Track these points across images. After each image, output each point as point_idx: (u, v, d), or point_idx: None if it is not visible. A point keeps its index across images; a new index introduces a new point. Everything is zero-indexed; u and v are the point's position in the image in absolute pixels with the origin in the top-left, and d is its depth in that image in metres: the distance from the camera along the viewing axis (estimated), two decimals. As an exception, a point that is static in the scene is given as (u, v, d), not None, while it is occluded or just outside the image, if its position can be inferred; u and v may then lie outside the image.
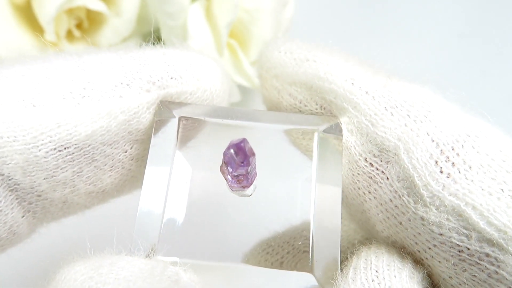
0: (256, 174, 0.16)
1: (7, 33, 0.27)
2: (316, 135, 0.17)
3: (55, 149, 0.15)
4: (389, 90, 0.16)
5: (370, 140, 0.16)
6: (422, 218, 0.14)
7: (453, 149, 0.15)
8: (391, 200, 0.15)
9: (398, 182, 0.15)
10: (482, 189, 0.14)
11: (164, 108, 0.17)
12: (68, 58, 0.17)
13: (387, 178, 0.16)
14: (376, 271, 0.14)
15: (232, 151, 0.14)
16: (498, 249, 0.13)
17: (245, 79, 0.30)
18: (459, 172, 0.14)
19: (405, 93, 0.16)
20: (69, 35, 0.29)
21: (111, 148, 0.16)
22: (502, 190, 0.14)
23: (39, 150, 0.15)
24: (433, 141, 0.15)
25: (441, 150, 0.15)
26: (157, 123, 0.17)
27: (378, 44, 0.37)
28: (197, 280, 0.14)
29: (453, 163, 0.14)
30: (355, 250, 0.16)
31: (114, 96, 0.16)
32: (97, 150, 0.16)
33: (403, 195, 0.15)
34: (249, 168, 0.15)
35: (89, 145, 0.16)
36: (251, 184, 0.16)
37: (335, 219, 0.15)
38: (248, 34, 0.29)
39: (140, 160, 0.18)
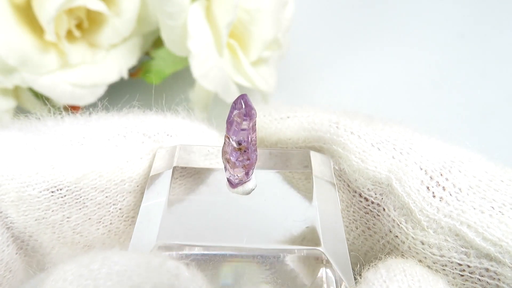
0: (256, 158, 0.16)
1: (7, 33, 0.27)
2: (313, 176, 0.17)
3: (47, 189, 0.16)
4: (373, 128, 0.17)
5: (362, 176, 0.17)
6: (422, 242, 0.15)
7: (441, 174, 0.16)
8: (390, 231, 0.16)
9: (395, 210, 0.16)
10: (474, 208, 0.15)
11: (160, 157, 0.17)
12: (79, 118, 0.18)
13: (384, 209, 0.16)
14: (412, 278, 0.15)
15: (235, 111, 0.15)
16: (496, 262, 0.14)
17: (245, 79, 0.30)
18: (451, 195, 0.15)
19: (387, 130, 0.17)
20: (69, 35, 0.29)
21: (103, 195, 0.17)
22: (492, 207, 0.15)
23: (33, 189, 0.16)
24: (421, 169, 0.16)
25: (430, 176, 0.16)
26: (151, 178, 0.17)
27: (378, 44, 0.38)
28: (199, 275, 0.13)
29: (443, 187, 0.15)
30: (379, 261, 0.16)
31: (109, 145, 0.17)
32: (88, 195, 0.17)
33: (401, 223, 0.16)
34: (251, 123, 0.15)
35: (81, 189, 0.16)
36: (252, 168, 0.16)
37: (339, 228, 0.16)
38: (248, 34, 0.29)
39: (130, 220, 0.18)
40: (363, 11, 0.40)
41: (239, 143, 0.16)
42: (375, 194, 0.17)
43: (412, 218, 0.15)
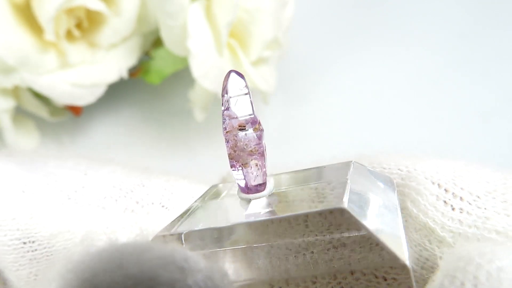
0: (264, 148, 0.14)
1: (7, 33, 0.27)
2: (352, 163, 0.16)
3: (19, 239, 0.15)
4: (379, 162, 0.17)
5: None
6: None
7: (455, 184, 0.15)
8: (420, 255, 0.15)
9: (416, 233, 0.15)
10: (498, 213, 0.14)
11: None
12: (82, 163, 0.17)
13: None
14: None
15: (232, 89, 0.14)
16: None
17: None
18: (470, 203, 0.14)
19: (389, 159, 0.17)
20: (69, 35, 0.29)
21: None
22: None
23: (5, 235, 0.15)
24: (433, 183, 0.15)
25: (445, 189, 0.15)
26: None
27: (378, 44, 0.37)
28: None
29: (461, 198, 0.15)
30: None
31: (96, 206, 0.16)
32: (59, 255, 0.15)
33: (425, 244, 0.15)
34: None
35: (53, 246, 0.15)
36: (263, 149, 0.14)
37: None
38: (248, 34, 0.29)
39: None
40: (364, 11, 0.40)
41: (254, 123, 0.14)
42: None
43: (435, 237, 0.14)
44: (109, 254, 0.11)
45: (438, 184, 0.15)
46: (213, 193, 0.17)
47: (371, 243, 0.13)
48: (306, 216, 0.13)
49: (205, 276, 0.10)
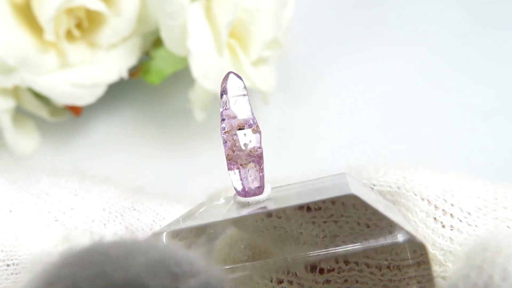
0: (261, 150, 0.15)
1: (7, 33, 0.27)
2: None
3: (3, 261, 0.14)
4: (369, 176, 0.16)
5: None
6: (444, 278, 0.14)
7: (445, 201, 0.15)
8: None
9: None
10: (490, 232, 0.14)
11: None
12: (74, 181, 0.16)
13: None
14: None
15: (230, 89, 0.14)
16: None
17: (245, 79, 0.30)
18: (461, 221, 0.14)
19: (380, 172, 0.16)
20: (69, 35, 0.29)
21: None
22: (508, 227, 0.14)
23: None
24: (423, 199, 0.15)
25: (435, 205, 0.15)
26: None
27: (378, 44, 0.37)
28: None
29: (451, 215, 0.14)
30: None
31: (84, 229, 0.15)
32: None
33: None
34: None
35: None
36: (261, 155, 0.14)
37: None
38: (248, 34, 0.29)
39: None
40: (364, 11, 0.40)
41: (252, 124, 0.14)
42: None
43: None
44: (92, 258, 0.10)
45: (428, 201, 0.15)
46: (201, 206, 0.16)
47: (385, 226, 0.13)
48: (322, 202, 0.13)
49: (201, 282, 0.10)
